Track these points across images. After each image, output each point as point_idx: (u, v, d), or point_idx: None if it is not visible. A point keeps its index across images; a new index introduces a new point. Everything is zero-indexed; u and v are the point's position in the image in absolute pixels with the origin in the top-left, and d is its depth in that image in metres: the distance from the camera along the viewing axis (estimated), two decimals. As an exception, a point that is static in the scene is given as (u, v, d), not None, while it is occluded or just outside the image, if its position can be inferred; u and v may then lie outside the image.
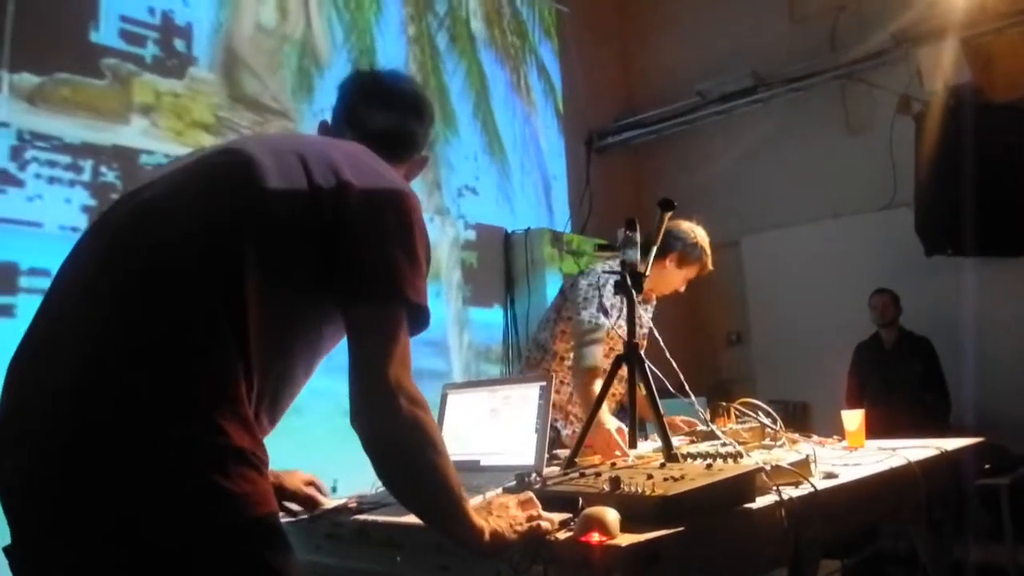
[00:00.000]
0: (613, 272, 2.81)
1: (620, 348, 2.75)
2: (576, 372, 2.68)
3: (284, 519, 1.78)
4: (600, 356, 2.66)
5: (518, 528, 1.33)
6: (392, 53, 5.08)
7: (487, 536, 1.29)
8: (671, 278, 2.91)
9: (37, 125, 3.48)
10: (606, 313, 2.69)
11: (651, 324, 2.97)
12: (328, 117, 1.66)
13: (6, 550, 1.17)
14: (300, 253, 1.28)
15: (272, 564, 1.16)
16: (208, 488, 1.11)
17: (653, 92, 7.14)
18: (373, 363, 1.25)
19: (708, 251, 2.95)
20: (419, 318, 1.34)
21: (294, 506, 1.77)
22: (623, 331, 2.79)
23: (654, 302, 3.05)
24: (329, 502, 1.74)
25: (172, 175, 1.34)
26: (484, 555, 1.31)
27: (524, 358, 3.05)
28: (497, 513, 1.35)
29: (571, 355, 2.78)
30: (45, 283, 3.23)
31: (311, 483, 1.77)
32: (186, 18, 4.08)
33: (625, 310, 2.76)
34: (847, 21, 6.17)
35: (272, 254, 1.25)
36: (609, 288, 2.73)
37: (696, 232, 2.92)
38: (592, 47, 7.05)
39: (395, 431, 1.25)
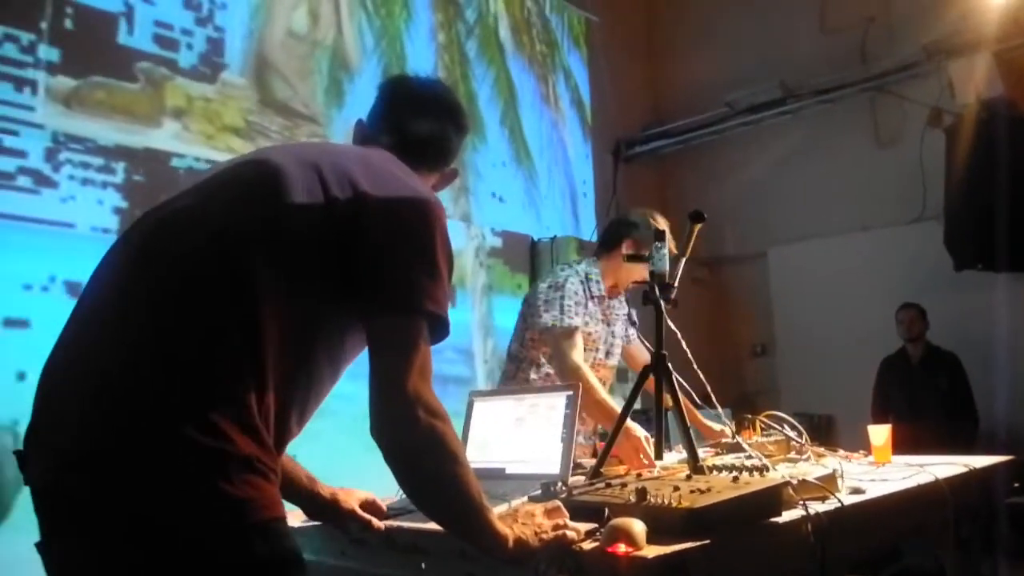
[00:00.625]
0: (585, 271, 2.84)
1: (594, 348, 2.84)
2: (560, 378, 2.67)
3: (310, 524, 1.79)
4: (576, 354, 2.64)
5: (544, 536, 1.33)
6: (421, 60, 5.11)
7: (511, 544, 1.29)
8: (629, 269, 2.78)
9: (72, 127, 3.53)
10: (562, 311, 2.69)
11: (632, 321, 2.98)
12: (364, 118, 1.66)
13: (37, 546, 1.19)
14: (319, 265, 1.28)
15: (276, 567, 1.17)
16: (213, 492, 1.12)
17: (681, 102, 7.13)
18: (392, 375, 1.26)
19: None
20: (439, 328, 1.34)
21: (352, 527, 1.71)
22: (594, 333, 2.80)
23: (622, 297, 2.99)
24: (382, 524, 1.68)
25: (203, 185, 1.36)
26: (508, 562, 1.31)
27: (502, 372, 3.01)
28: (523, 521, 1.35)
29: (550, 361, 2.78)
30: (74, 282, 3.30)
31: (371, 503, 1.71)
32: (219, 24, 4.12)
33: (592, 310, 2.79)
34: (877, 33, 6.13)
35: (290, 266, 1.26)
36: (569, 287, 2.73)
37: (654, 216, 2.80)
38: (620, 56, 7.05)
39: (414, 443, 1.26)
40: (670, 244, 2.19)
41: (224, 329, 1.19)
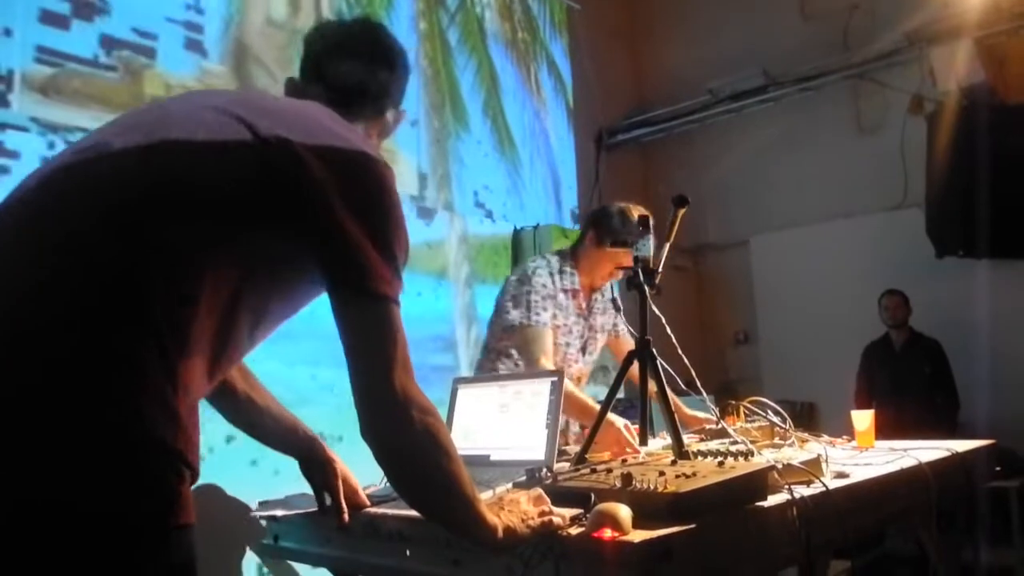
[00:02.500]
0: (558, 263, 2.80)
1: (564, 344, 2.81)
2: (527, 370, 2.66)
3: (295, 512, 1.78)
4: (540, 351, 2.61)
5: (531, 523, 1.32)
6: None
7: (501, 533, 1.28)
8: (597, 261, 2.77)
9: (49, 116, 3.48)
10: (529, 308, 2.66)
11: (616, 306, 2.85)
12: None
13: None
14: (246, 224, 1.17)
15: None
16: (113, 479, 1.02)
17: (663, 90, 7.12)
18: (378, 373, 1.22)
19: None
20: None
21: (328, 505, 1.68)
22: (565, 326, 2.78)
23: (606, 289, 2.92)
24: (346, 519, 1.64)
25: (102, 138, 1.21)
26: (498, 551, 1.31)
27: (477, 363, 2.98)
28: (508, 509, 1.34)
29: (515, 352, 2.78)
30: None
31: (353, 491, 1.68)
32: (197, 11, 4.08)
33: (564, 303, 2.77)
34: (860, 20, 6.14)
35: (210, 225, 1.14)
36: (536, 281, 2.71)
37: (628, 207, 2.73)
38: (603, 44, 7.04)
39: (409, 444, 1.23)
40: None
41: (138, 301, 1.07)
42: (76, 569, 1.00)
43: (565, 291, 2.76)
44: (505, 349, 2.80)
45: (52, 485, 1.00)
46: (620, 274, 2.72)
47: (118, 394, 1.03)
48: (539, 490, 1.44)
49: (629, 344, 2.89)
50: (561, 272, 2.77)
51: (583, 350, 2.88)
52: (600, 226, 2.75)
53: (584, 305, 2.85)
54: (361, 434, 1.23)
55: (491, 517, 1.29)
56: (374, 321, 1.23)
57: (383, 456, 1.25)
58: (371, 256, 1.21)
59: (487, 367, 2.83)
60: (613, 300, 2.87)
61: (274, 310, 1.29)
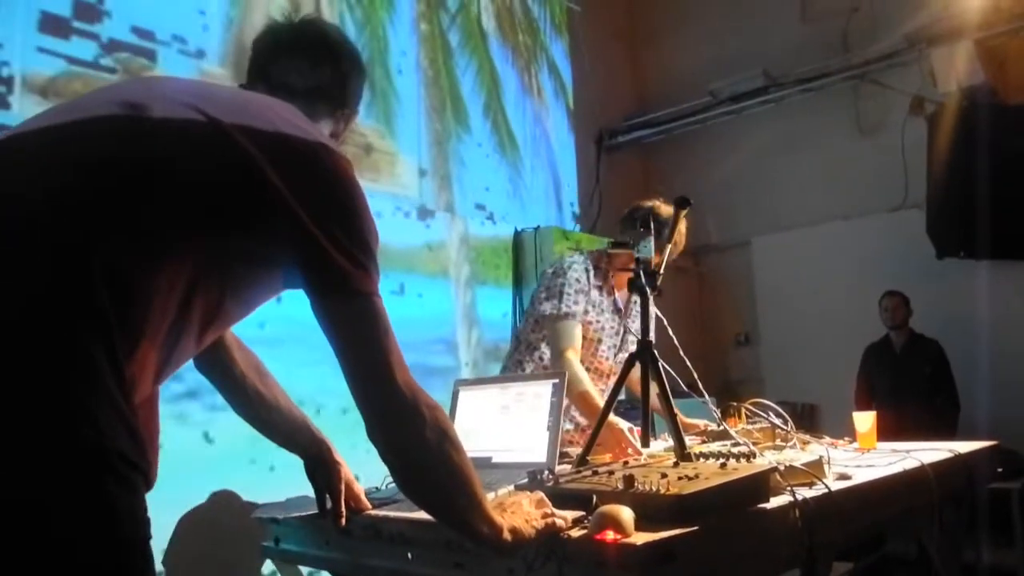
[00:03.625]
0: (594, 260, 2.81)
1: (596, 340, 2.80)
2: (552, 365, 2.68)
3: (296, 514, 1.78)
4: (568, 342, 2.62)
5: (535, 524, 1.31)
6: (403, 50, 5.07)
7: (506, 534, 1.27)
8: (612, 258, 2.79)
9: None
10: (560, 299, 2.67)
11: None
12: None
13: None
14: (201, 218, 1.12)
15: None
16: (55, 488, 0.95)
17: (664, 91, 7.13)
18: (377, 372, 1.19)
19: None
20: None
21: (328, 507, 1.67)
22: (597, 323, 2.78)
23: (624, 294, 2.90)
24: (343, 523, 1.64)
25: (48, 129, 1.14)
26: (503, 553, 1.30)
27: (507, 352, 3.01)
28: (511, 510, 1.34)
29: (544, 346, 2.79)
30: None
31: (355, 497, 1.67)
32: (197, 12, 4.08)
33: (597, 299, 2.76)
34: (860, 21, 6.15)
35: (166, 217, 1.09)
36: (571, 275, 2.72)
37: (655, 205, 2.76)
38: (603, 46, 7.04)
39: (423, 444, 1.21)
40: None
41: (84, 292, 1.00)
42: None
43: (599, 287, 2.77)
44: (536, 342, 2.82)
45: None
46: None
47: (64, 390, 0.97)
48: (540, 493, 1.43)
49: None
50: (596, 269, 2.79)
51: (617, 348, 2.86)
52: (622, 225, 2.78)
53: (621, 305, 2.85)
54: (368, 435, 1.21)
55: (497, 518, 1.27)
56: (361, 320, 1.20)
57: (393, 457, 1.23)
58: (344, 254, 1.18)
59: (515, 358, 2.87)
60: (613, 302, 2.88)
61: (228, 309, 1.24)
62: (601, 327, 2.79)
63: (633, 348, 2.87)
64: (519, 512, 1.33)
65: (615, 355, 2.86)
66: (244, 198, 1.14)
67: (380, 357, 1.20)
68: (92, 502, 0.97)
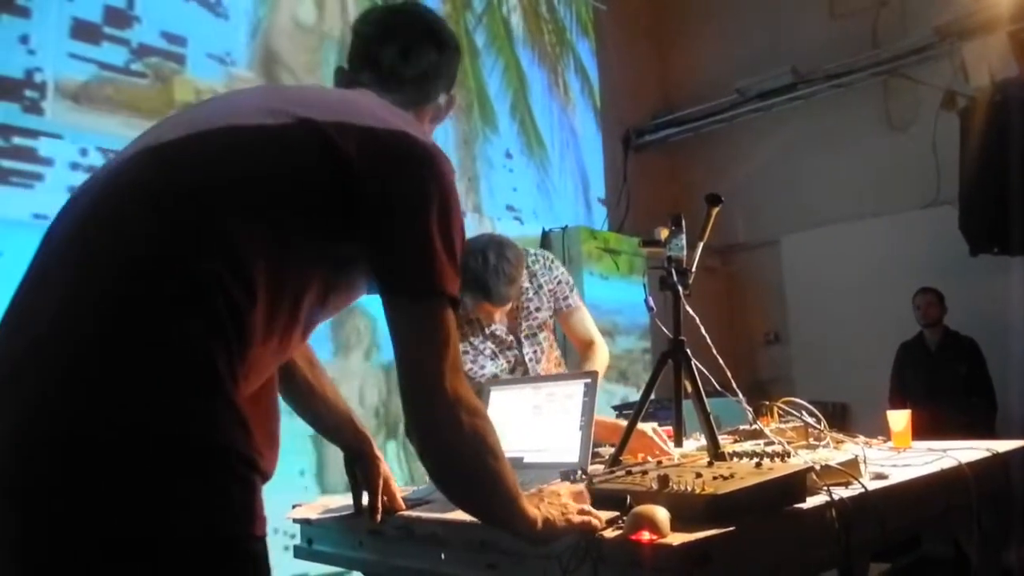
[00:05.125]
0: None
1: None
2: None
3: (329, 514, 1.78)
4: None
5: (571, 518, 1.31)
6: (430, 51, 5.08)
7: (540, 525, 1.27)
8: None
9: (81, 123, 3.52)
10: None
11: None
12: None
13: None
14: (306, 221, 1.16)
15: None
16: (186, 499, 0.99)
17: (691, 90, 7.09)
18: (429, 373, 1.19)
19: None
20: (453, 308, 1.25)
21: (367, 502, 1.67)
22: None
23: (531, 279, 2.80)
24: (377, 518, 1.65)
25: (158, 129, 1.21)
26: (536, 543, 1.30)
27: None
28: (549, 500, 1.33)
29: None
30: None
31: (391, 494, 1.68)
32: (225, 16, 4.11)
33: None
34: (888, 16, 6.09)
35: (275, 223, 1.13)
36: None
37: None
38: (629, 45, 7.02)
39: (459, 447, 1.22)
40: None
41: (207, 295, 1.04)
42: None
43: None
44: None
45: (105, 496, 0.97)
46: None
47: (188, 394, 1.01)
48: (581, 486, 1.43)
49: (580, 323, 2.79)
50: None
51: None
52: None
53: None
54: (405, 431, 1.23)
55: (531, 510, 1.27)
56: (427, 320, 1.21)
57: (430, 456, 1.23)
58: (427, 251, 1.20)
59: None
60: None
61: (330, 305, 1.28)
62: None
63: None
64: (556, 503, 1.33)
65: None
66: (341, 197, 1.17)
67: (434, 357, 1.20)
68: (213, 501, 1.01)
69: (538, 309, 2.70)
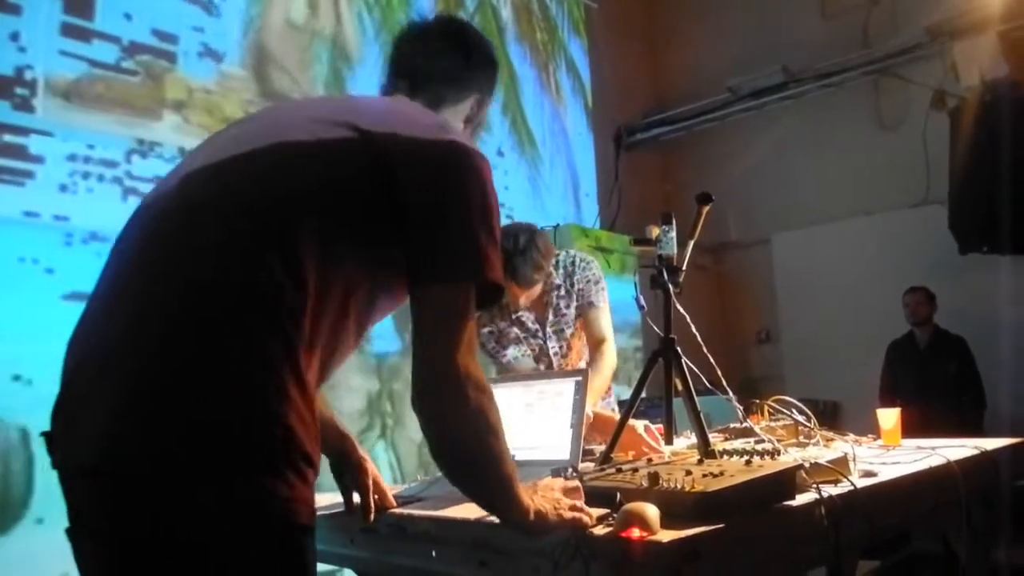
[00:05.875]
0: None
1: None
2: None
3: (320, 512, 1.78)
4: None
5: (562, 513, 1.32)
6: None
7: (532, 515, 1.29)
8: None
9: (71, 120, 3.51)
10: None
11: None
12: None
13: (67, 532, 1.18)
14: (358, 226, 1.24)
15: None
16: (256, 490, 1.09)
17: (682, 88, 7.11)
18: (442, 349, 1.23)
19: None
20: (494, 292, 1.32)
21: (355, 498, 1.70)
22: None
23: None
24: (371, 519, 1.66)
25: (226, 154, 1.29)
26: (526, 533, 1.31)
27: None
28: (542, 494, 1.35)
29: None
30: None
31: (382, 493, 1.69)
32: (217, 14, 4.10)
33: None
34: (880, 15, 6.11)
35: (331, 228, 1.21)
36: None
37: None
38: (621, 43, 7.02)
39: (460, 420, 1.25)
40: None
41: (269, 302, 1.14)
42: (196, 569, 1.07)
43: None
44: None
45: (177, 476, 1.07)
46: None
47: (258, 395, 1.10)
48: (576, 482, 1.44)
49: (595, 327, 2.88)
50: None
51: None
52: None
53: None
54: (412, 403, 1.26)
55: (525, 499, 1.30)
56: (450, 299, 1.26)
57: (430, 426, 1.26)
58: (467, 239, 1.26)
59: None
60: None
61: (378, 311, 1.35)
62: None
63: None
64: (549, 497, 1.35)
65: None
66: (388, 205, 1.24)
67: (449, 334, 1.24)
68: (279, 494, 1.10)
69: (567, 307, 2.84)
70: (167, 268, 1.17)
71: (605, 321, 2.85)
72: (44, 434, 1.20)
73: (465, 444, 1.27)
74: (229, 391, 1.10)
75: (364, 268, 1.26)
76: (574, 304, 2.84)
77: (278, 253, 1.16)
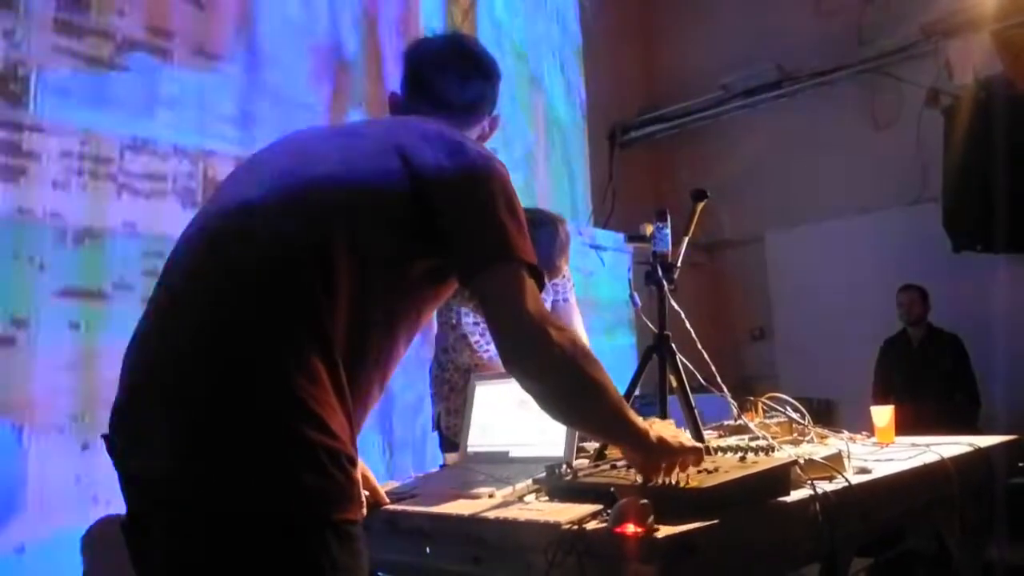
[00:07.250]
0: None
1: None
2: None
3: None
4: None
5: (683, 441, 1.41)
6: (416, 46, 5.07)
7: (653, 437, 1.36)
8: None
9: (65, 117, 3.49)
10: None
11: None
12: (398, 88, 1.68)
13: (122, 527, 1.24)
14: (402, 242, 1.30)
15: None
16: (306, 487, 1.14)
17: (676, 86, 7.11)
18: (512, 309, 1.28)
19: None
20: (536, 278, 1.35)
21: None
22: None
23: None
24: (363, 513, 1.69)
25: (275, 166, 1.37)
26: (649, 454, 1.37)
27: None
28: (660, 427, 1.41)
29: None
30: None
31: (373, 490, 1.71)
32: (211, 10, 4.08)
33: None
34: (874, 14, 6.11)
35: (375, 245, 1.27)
36: None
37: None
38: (615, 41, 7.03)
39: (559, 355, 1.29)
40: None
41: (315, 315, 1.20)
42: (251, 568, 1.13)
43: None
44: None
45: (227, 486, 1.13)
46: None
47: (293, 396, 1.15)
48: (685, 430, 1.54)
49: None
50: None
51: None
52: None
53: None
54: (504, 364, 1.31)
55: (642, 423, 1.37)
56: (511, 279, 1.30)
57: (531, 380, 1.31)
58: (501, 230, 1.31)
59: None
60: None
61: (423, 319, 1.41)
62: None
63: None
64: (667, 429, 1.43)
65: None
66: (428, 227, 1.30)
67: (519, 296, 1.29)
68: (330, 490, 1.16)
69: (550, 302, 2.91)
70: (218, 297, 1.23)
71: (576, 318, 2.99)
72: (104, 437, 1.27)
73: (569, 377, 1.31)
74: (285, 433, 1.14)
75: (403, 279, 1.32)
76: (550, 300, 2.91)
77: (320, 282, 1.21)
